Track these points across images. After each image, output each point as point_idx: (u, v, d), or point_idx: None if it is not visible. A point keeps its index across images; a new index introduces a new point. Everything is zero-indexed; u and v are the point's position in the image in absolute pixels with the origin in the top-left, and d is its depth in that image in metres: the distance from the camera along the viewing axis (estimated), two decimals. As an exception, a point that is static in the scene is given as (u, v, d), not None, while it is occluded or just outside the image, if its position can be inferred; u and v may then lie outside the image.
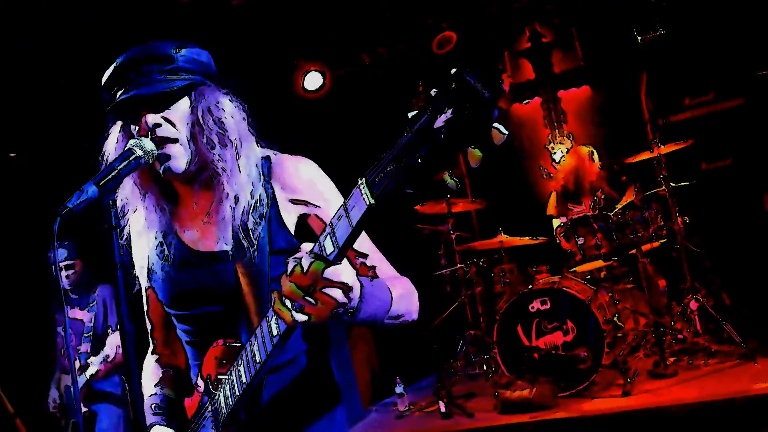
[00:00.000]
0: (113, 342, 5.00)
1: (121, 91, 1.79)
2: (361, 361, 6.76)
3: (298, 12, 6.79)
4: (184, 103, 1.85)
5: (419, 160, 1.15)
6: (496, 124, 1.13)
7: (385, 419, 5.86)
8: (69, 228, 1.55)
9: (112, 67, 1.83)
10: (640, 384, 4.92)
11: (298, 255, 1.42)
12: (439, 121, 1.12)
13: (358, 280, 1.48)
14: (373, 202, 1.22)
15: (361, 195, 1.24)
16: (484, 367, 6.21)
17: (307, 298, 1.40)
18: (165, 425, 2.00)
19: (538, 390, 4.87)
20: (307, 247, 1.43)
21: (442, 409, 5.29)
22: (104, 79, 1.84)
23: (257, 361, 1.66)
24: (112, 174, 1.66)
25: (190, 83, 1.84)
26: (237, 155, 1.87)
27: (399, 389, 5.81)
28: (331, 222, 1.35)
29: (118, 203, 1.96)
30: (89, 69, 5.95)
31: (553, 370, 5.06)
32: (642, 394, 4.73)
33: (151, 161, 1.79)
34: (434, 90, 1.14)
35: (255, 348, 1.66)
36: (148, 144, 1.77)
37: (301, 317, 1.42)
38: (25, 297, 5.80)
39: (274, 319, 1.57)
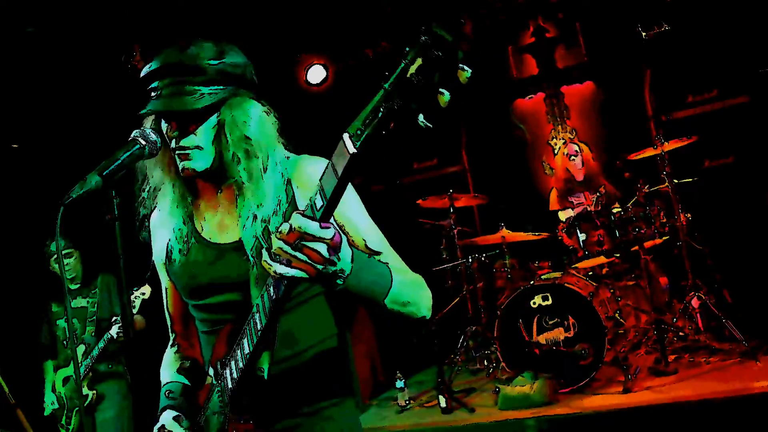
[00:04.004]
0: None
1: (153, 95, 1.84)
2: (361, 354, 6.76)
3: (301, 5, 6.78)
4: (211, 118, 1.88)
5: (395, 107, 1.26)
6: (461, 65, 1.23)
7: (385, 413, 5.86)
8: (67, 219, 1.56)
9: (150, 66, 1.86)
10: (641, 381, 4.92)
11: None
12: (411, 70, 1.24)
13: (352, 248, 1.54)
14: (355, 150, 1.30)
15: (345, 146, 1.32)
16: (485, 363, 6.20)
17: (293, 253, 1.44)
18: (176, 410, 2.03)
19: (538, 386, 4.86)
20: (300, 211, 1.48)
21: (443, 404, 5.29)
22: (142, 74, 1.88)
23: (258, 329, 1.70)
24: (115, 164, 1.67)
25: (218, 99, 1.85)
26: (263, 166, 1.91)
27: (399, 383, 5.80)
28: (320, 179, 1.42)
29: (148, 189, 2.04)
30: (91, 62, 5.97)
31: (554, 366, 5.06)
32: (643, 391, 4.73)
33: (154, 152, 1.84)
34: (407, 47, 1.26)
35: (257, 317, 1.70)
36: (152, 134, 1.79)
37: (284, 269, 1.46)
38: (22, 290, 5.80)
39: (272, 286, 1.62)
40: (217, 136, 1.88)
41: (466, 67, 1.21)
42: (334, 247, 1.46)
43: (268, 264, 1.48)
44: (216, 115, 1.88)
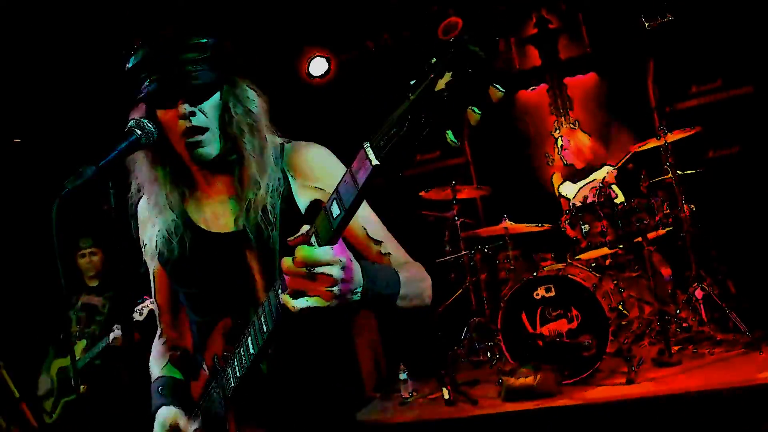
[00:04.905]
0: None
1: (156, 79, 1.82)
2: (364, 347, 6.76)
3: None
4: (216, 94, 1.88)
5: (422, 121, 1.21)
6: (494, 83, 1.18)
7: (388, 406, 5.87)
8: (90, 221, 1.56)
9: (144, 52, 1.84)
10: (645, 372, 4.91)
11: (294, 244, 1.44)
12: (440, 85, 1.18)
13: (360, 262, 1.51)
14: (378, 163, 1.26)
15: (367, 157, 1.28)
16: (488, 354, 6.20)
17: (307, 282, 1.42)
18: (171, 406, 2.02)
19: (542, 377, 4.86)
20: (304, 229, 1.46)
21: (446, 396, 5.29)
22: (135, 62, 1.85)
23: (265, 331, 1.67)
24: (112, 155, 1.67)
25: (222, 75, 1.87)
26: (263, 142, 1.92)
27: (403, 376, 5.81)
28: (337, 187, 1.38)
29: (134, 184, 2.02)
30: (92, 54, 5.96)
31: (558, 358, 5.05)
32: (646, 382, 4.72)
33: (150, 142, 1.82)
34: (434, 58, 1.20)
35: (262, 319, 1.67)
36: (148, 124, 1.78)
37: (305, 303, 1.42)
38: (35, 283, 5.82)
39: (279, 288, 1.58)
40: (221, 113, 1.89)
41: (500, 87, 1.18)
42: (345, 265, 1.43)
43: (288, 302, 1.45)
44: (218, 93, 1.88)
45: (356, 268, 1.47)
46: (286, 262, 1.42)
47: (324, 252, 1.39)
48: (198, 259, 1.97)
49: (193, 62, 1.81)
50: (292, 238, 1.46)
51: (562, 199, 6.75)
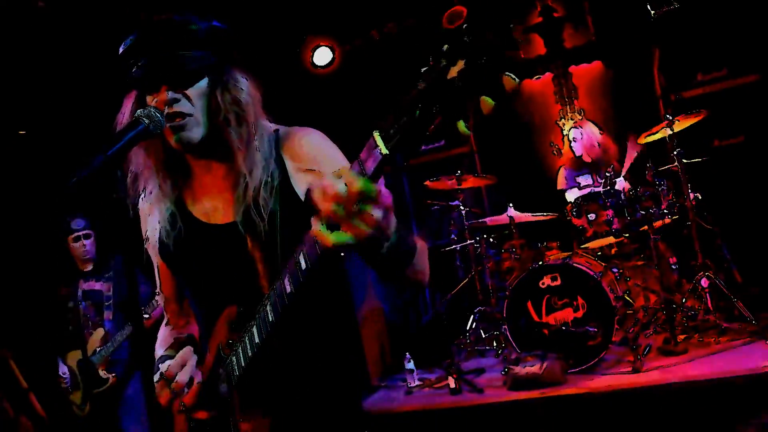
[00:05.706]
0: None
1: (142, 62, 1.80)
2: (370, 336, 6.78)
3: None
4: (203, 80, 1.86)
5: (434, 110, 1.18)
6: (507, 72, 1.16)
7: (394, 395, 5.88)
8: (84, 200, 1.55)
9: (133, 36, 1.82)
10: (650, 361, 4.92)
11: (324, 181, 1.28)
12: (453, 73, 1.15)
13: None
14: (387, 152, 1.23)
15: (376, 146, 1.25)
16: (494, 344, 6.21)
17: (350, 218, 1.27)
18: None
19: (547, 366, 4.87)
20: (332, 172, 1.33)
21: (452, 385, 5.31)
22: (124, 46, 1.83)
23: (270, 321, 1.68)
24: (119, 144, 1.66)
25: (211, 61, 1.85)
26: (252, 133, 1.88)
27: (409, 365, 5.82)
28: None
29: (130, 175, 1.98)
30: (92, 46, 5.95)
31: (563, 347, 5.06)
32: (652, 371, 4.73)
33: (158, 131, 1.78)
34: (446, 45, 1.17)
35: (268, 308, 1.68)
36: (157, 113, 1.77)
37: (341, 237, 1.28)
38: (33, 272, 5.82)
39: (287, 280, 1.58)
40: (208, 101, 1.86)
41: (513, 76, 1.15)
42: (388, 214, 1.31)
43: (320, 233, 1.30)
44: (206, 79, 1.86)
45: (393, 218, 1.35)
46: (333, 188, 1.24)
47: (379, 189, 1.26)
48: (198, 251, 1.97)
49: (183, 47, 1.80)
50: (336, 170, 1.30)
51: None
